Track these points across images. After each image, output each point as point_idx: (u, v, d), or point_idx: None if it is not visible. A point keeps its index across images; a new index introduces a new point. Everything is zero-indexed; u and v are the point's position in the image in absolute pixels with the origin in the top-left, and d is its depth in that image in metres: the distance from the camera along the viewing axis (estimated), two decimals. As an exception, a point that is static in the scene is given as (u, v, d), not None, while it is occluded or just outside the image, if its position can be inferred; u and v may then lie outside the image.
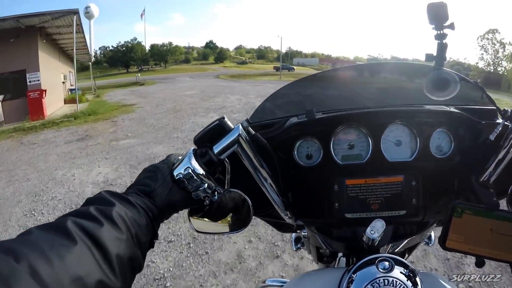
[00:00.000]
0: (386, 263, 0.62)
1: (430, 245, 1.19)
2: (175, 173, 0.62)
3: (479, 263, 0.60)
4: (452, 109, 0.85)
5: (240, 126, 0.69)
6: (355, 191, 0.82)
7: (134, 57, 77.84)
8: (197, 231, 0.73)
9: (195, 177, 0.62)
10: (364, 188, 0.82)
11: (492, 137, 0.73)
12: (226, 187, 0.70)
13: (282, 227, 1.06)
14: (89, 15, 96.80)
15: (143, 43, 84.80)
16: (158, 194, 0.59)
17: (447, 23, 0.92)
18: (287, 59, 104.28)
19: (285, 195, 0.85)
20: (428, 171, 0.83)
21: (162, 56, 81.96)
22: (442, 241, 0.61)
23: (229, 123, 0.69)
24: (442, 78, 0.76)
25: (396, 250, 0.89)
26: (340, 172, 0.83)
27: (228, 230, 0.75)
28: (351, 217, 0.82)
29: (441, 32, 0.94)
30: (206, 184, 0.63)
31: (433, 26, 0.93)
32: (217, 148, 0.67)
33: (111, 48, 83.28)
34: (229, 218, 0.74)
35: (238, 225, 0.74)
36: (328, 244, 0.94)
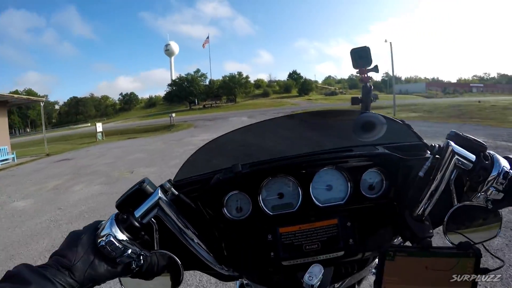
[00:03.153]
0: None
1: None
2: (98, 241, 0.60)
3: None
4: (380, 149, 0.87)
5: (159, 190, 0.69)
6: (289, 238, 0.81)
7: (194, 91, 63.56)
8: None
9: (117, 244, 0.60)
10: (298, 234, 0.82)
11: (422, 173, 0.74)
12: (155, 248, 0.69)
13: (223, 277, 0.97)
14: (169, 52, 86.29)
15: (208, 75, 70.90)
16: (78, 268, 0.56)
17: (371, 66, 1.01)
18: (385, 87, 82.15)
19: (219, 249, 0.85)
20: (362, 211, 0.85)
21: (229, 89, 66.62)
22: (378, 285, 0.60)
23: (149, 187, 0.68)
24: (369, 121, 0.81)
25: (343, 287, 0.89)
26: (273, 221, 0.84)
27: None
28: (289, 264, 0.81)
29: (366, 75, 1.04)
30: (130, 250, 0.61)
31: (357, 70, 1.03)
32: (138, 213, 0.66)
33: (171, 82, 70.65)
34: (167, 275, 0.71)
35: (173, 283, 0.72)
36: None
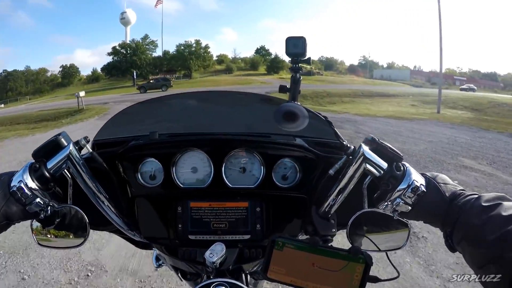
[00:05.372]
0: None
1: None
2: (11, 186, 0.63)
3: None
4: (298, 140, 0.90)
5: (72, 144, 0.71)
6: (199, 214, 0.85)
7: (138, 62, 51.01)
8: (40, 244, 0.72)
9: (27, 191, 0.63)
10: (208, 212, 0.85)
11: (332, 171, 0.76)
12: (69, 202, 0.71)
13: (138, 243, 1.00)
14: (125, 21, 72.68)
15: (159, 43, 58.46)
16: None
17: (304, 58, 1.05)
18: (362, 71, 75.16)
19: (132, 214, 0.88)
20: (273, 199, 0.88)
21: (184, 60, 54.46)
22: (264, 271, 0.61)
23: (63, 140, 0.71)
24: (291, 111, 0.81)
25: (253, 270, 0.91)
26: (184, 194, 0.87)
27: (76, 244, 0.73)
28: (195, 239, 0.85)
29: (297, 66, 1.08)
30: (38, 199, 0.65)
31: (290, 59, 1.06)
32: (50, 164, 0.68)
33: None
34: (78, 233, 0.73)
35: (79, 240, 0.73)
36: (185, 264, 0.92)
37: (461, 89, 44.41)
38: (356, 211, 0.69)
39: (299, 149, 0.87)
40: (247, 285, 0.82)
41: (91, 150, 0.79)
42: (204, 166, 0.87)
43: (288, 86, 1.12)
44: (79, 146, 0.73)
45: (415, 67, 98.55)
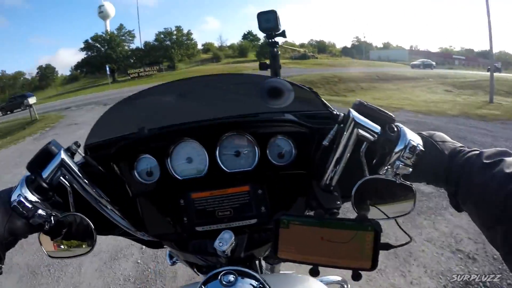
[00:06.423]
0: (230, 276, 0.61)
1: None
2: (11, 202, 0.63)
3: (314, 272, 0.58)
4: (287, 116, 0.87)
5: (62, 151, 0.70)
6: (202, 204, 0.83)
7: (113, 55, 45.61)
8: (50, 256, 0.72)
9: (28, 204, 0.63)
10: (211, 201, 0.83)
11: (326, 142, 0.73)
12: (72, 210, 0.70)
13: (148, 243, 0.98)
14: (103, 14, 67.70)
15: (135, 33, 52.63)
16: None
17: (279, 31, 1.03)
18: (357, 53, 74.03)
19: (136, 215, 0.87)
20: (273, 179, 0.85)
21: (166, 50, 49.73)
22: (274, 251, 0.60)
23: (54, 147, 0.70)
24: (276, 87, 0.81)
25: (266, 254, 0.90)
26: (184, 186, 0.85)
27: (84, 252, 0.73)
28: (202, 230, 0.83)
29: (273, 40, 1.07)
30: (39, 210, 0.64)
31: (265, 35, 1.05)
32: (45, 174, 0.67)
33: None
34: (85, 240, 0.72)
35: (88, 246, 0.73)
36: (198, 257, 0.90)
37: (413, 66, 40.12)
38: (358, 181, 0.66)
39: (290, 124, 0.84)
40: (261, 270, 0.82)
41: (83, 155, 0.79)
42: (198, 155, 0.84)
43: (268, 62, 1.08)
44: (70, 152, 0.72)
45: (411, 46, 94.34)
